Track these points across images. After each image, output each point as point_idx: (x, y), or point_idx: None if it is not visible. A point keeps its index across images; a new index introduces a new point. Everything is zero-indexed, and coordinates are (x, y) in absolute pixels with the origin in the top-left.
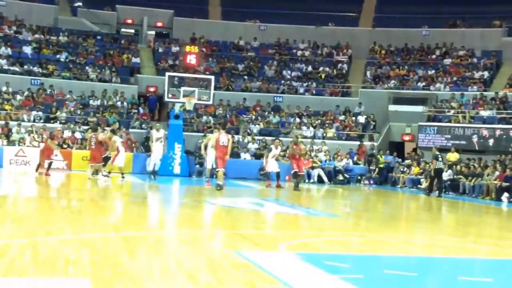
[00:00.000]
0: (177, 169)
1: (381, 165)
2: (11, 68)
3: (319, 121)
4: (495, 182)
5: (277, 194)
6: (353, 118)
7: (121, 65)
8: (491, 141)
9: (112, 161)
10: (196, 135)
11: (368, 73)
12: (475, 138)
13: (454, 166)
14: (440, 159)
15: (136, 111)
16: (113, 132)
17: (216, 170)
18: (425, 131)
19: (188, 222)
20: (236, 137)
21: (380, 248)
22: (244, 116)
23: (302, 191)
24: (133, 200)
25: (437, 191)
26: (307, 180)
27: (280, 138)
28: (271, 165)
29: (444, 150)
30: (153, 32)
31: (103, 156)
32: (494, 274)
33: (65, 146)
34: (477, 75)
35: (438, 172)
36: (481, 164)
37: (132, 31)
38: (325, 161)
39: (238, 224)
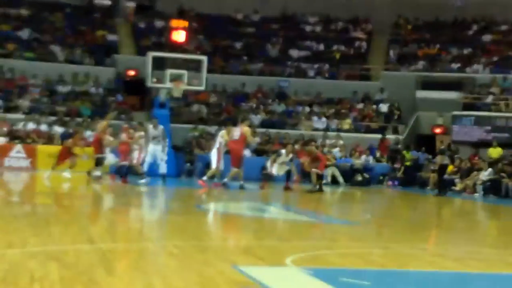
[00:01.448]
0: (163, 168)
1: (408, 163)
2: None
3: (333, 110)
4: None
5: (283, 198)
6: (374, 106)
7: (94, 43)
8: None
9: (138, 160)
10: (186, 127)
11: (391, 52)
12: None
13: (495, 164)
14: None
15: (113, 98)
16: (141, 124)
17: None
18: (460, 122)
19: (177, 232)
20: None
21: (405, 262)
22: (243, 104)
23: (314, 194)
24: (112, 206)
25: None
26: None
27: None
28: (278, 169)
29: (483, 144)
30: (133, 4)
31: (96, 156)
32: None
33: (28, 141)
34: None
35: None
36: None
37: (108, 2)
38: (340, 158)
39: (236, 233)
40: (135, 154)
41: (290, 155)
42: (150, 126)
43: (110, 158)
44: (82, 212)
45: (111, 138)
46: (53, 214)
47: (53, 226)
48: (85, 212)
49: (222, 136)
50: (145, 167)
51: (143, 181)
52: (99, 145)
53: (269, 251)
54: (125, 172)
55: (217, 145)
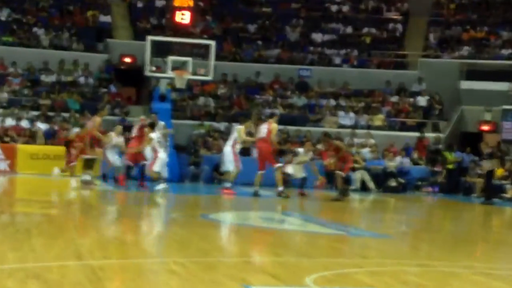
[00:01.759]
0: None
1: (450, 166)
2: None
3: (363, 104)
4: None
5: (303, 206)
6: (411, 99)
7: (84, 25)
8: None
9: (150, 166)
10: (190, 124)
11: (431, 36)
12: None
13: None
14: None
15: (105, 90)
16: (151, 126)
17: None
18: (511, 117)
19: (179, 246)
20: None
21: (446, 282)
22: (258, 97)
23: (340, 202)
24: (104, 215)
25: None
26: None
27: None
28: (295, 170)
29: None
30: None
31: (85, 158)
32: None
33: (6, 139)
34: None
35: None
36: None
37: None
38: (371, 160)
39: (247, 248)
40: (149, 156)
41: (310, 154)
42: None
43: (116, 161)
44: (69, 223)
45: (117, 138)
46: (35, 225)
47: (35, 238)
48: (73, 223)
49: (238, 133)
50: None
51: (162, 186)
52: (89, 144)
53: (287, 268)
54: (139, 175)
55: (231, 142)
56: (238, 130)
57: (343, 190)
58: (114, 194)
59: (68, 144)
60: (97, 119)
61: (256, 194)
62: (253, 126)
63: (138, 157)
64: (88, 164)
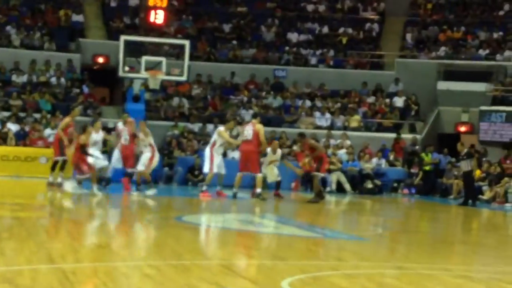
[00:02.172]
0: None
1: (427, 167)
2: None
3: (339, 104)
4: None
5: (279, 209)
6: (387, 100)
7: (56, 25)
8: None
9: (149, 164)
10: (164, 125)
11: (408, 36)
12: None
13: None
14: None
15: (78, 90)
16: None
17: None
18: (489, 118)
19: (153, 249)
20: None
21: (424, 284)
22: (233, 97)
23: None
24: (76, 218)
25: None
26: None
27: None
28: (268, 173)
29: None
30: None
31: (56, 159)
32: None
33: None
34: None
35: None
36: None
37: None
38: (348, 161)
39: (223, 250)
40: (145, 158)
41: (278, 153)
42: (119, 123)
43: (99, 161)
44: (40, 226)
45: (97, 134)
46: (5, 228)
47: (5, 242)
48: (44, 226)
49: (219, 134)
50: (110, 173)
51: (152, 192)
52: (59, 146)
53: (263, 272)
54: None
55: (211, 144)
56: (219, 132)
57: (319, 192)
58: (87, 197)
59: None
60: (65, 120)
61: (235, 196)
62: (234, 128)
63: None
64: (61, 166)
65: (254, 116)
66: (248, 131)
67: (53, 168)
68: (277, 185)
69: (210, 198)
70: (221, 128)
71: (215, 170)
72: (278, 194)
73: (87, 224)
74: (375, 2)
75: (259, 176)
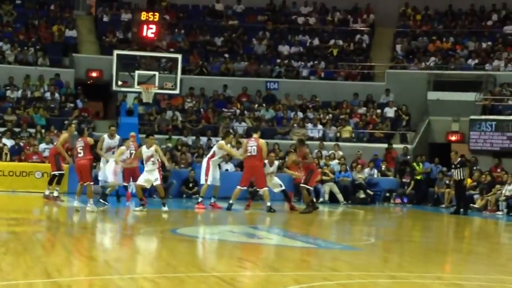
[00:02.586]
0: (131, 187)
1: (419, 177)
2: None
3: (330, 116)
4: None
5: (273, 220)
6: (378, 111)
7: (50, 40)
8: None
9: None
10: (157, 138)
11: (398, 47)
12: None
13: None
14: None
15: (72, 105)
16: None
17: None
18: (479, 127)
19: (148, 262)
20: (213, 139)
21: None
22: (225, 110)
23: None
24: (72, 232)
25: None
26: (314, 199)
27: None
28: (271, 185)
29: (506, 153)
30: None
31: (52, 173)
32: None
33: None
34: None
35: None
36: None
37: None
38: (340, 172)
39: (217, 262)
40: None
41: (275, 165)
42: (106, 136)
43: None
44: (36, 240)
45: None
46: (1, 243)
47: (1, 257)
48: (40, 240)
49: (221, 147)
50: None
51: (140, 208)
52: (55, 160)
53: (257, 283)
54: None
55: (209, 155)
56: (221, 145)
57: (310, 202)
58: (82, 210)
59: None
60: (63, 136)
61: (230, 208)
62: (233, 141)
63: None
64: (58, 180)
65: (255, 130)
66: (252, 146)
67: (50, 182)
68: (286, 196)
69: (204, 210)
70: (222, 141)
71: (209, 181)
72: (293, 207)
73: (82, 238)
74: (365, 14)
75: (266, 190)
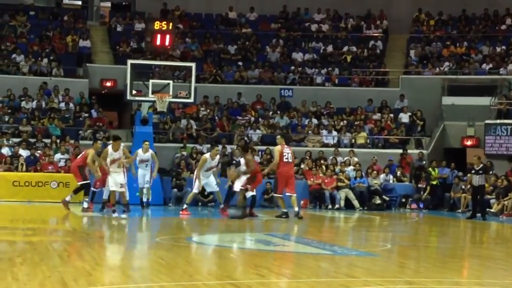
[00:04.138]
0: (146, 196)
1: (434, 182)
2: None
3: (345, 122)
4: None
5: (287, 226)
6: (393, 116)
7: (64, 51)
8: None
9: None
10: (172, 147)
11: (412, 52)
12: None
13: None
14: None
15: (87, 115)
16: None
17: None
18: (494, 131)
19: (164, 270)
20: (228, 147)
21: None
22: (240, 118)
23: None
24: (88, 241)
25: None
26: (330, 206)
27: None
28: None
29: None
30: (108, 4)
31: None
32: None
33: None
34: None
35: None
36: None
37: (79, 2)
38: (355, 178)
39: (233, 270)
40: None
41: (213, 160)
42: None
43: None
44: (53, 250)
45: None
46: (18, 253)
47: (18, 267)
48: (57, 250)
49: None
50: (106, 195)
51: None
52: (79, 171)
53: None
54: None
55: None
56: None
57: (243, 209)
58: (98, 219)
59: None
60: (90, 153)
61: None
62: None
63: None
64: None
65: (285, 137)
66: (288, 153)
67: (76, 191)
68: (251, 202)
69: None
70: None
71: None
72: (252, 213)
73: (99, 247)
74: (378, 20)
75: (295, 196)
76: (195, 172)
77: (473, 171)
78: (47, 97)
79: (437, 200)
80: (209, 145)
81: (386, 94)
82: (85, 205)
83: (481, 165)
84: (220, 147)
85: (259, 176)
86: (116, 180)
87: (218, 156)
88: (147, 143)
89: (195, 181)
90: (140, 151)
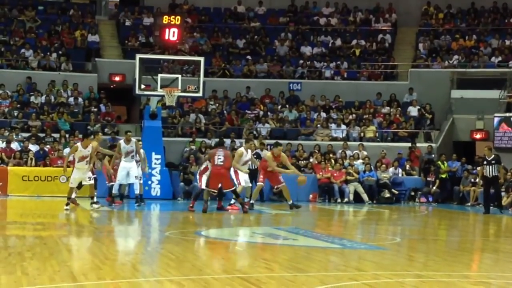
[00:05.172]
0: (156, 190)
1: (444, 175)
2: None
3: (354, 116)
4: None
5: (296, 220)
6: (401, 109)
7: (73, 46)
8: None
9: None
10: (181, 141)
11: (420, 46)
12: None
13: None
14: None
15: (95, 109)
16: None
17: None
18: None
19: (173, 264)
20: (237, 141)
21: None
22: (248, 112)
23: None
24: (97, 236)
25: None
26: (339, 199)
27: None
28: (242, 178)
29: None
30: None
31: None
32: None
33: None
34: None
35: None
36: None
37: None
38: (364, 172)
39: (242, 264)
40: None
41: (249, 152)
42: (121, 141)
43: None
44: (62, 245)
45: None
46: (27, 248)
47: (28, 261)
48: (66, 244)
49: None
50: (115, 189)
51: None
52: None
53: (283, 284)
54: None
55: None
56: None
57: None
58: (106, 213)
59: None
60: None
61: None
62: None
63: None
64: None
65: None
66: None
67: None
68: (219, 195)
69: (238, 210)
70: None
71: (243, 183)
72: (221, 207)
73: (108, 241)
74: (387, 13)
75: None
76: (232, 170)
77: (485, 162)
78: (55, 91)
79: (446, 193)
80: (217, 139)
81: (395, 88)
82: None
83: (493, 155)
84: (255, 141)
85: (213, 171)
86: (79, 176)
87: (249, 151)
88: (129, 133)
89: (236, 176)
90: (122, 142)
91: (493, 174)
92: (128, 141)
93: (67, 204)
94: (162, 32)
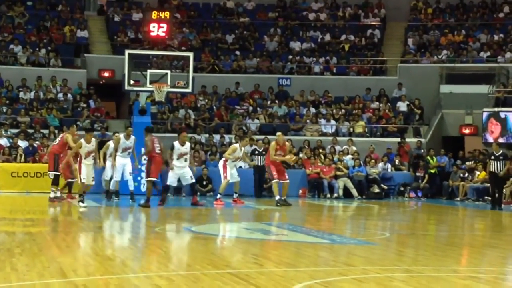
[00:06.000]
0: (145, 186)
1: (433, 170)
2: None
3: (343, 111)
4: None
5: (286, 216)
6: (391, 105)
7: (61, 41)
8: None
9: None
10: (171, 137)
11: (409, 41)
12: None
13: None
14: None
15: (85, 105)
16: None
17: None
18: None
19: (163, 260)
20: (226, 137)
21: (434, 287)
22: (238, 107)
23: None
24: (86, 231)
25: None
26: (328, 195)
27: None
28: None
29: None
30: None
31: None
32: None
33: None
34: None
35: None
36: None
37: None
38: (354, 167)
39: (231, 259)
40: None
41: (241, 150)
42: (121, 136)
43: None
44: (51, 241)
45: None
46: (17, 244)
47: (17, 257)
48: (55, 240)
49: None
50: (113, 186)
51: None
52: (54, 159)
53: (272, 279)
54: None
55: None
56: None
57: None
58: (95, 209)
59: None
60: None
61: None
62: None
63: None
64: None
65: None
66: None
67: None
68: (192, 189)
69: (223, 205)
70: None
71: (228, 178)
72: (196, 202)
73: (97, 237)
74: (376, 9)
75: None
76: (222, 162)
77: (492, 157)
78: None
79: (435, 188)
80: (207, 135)
81: (384, 83)
82: (52, 195)
83: (501, 151)
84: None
85: (157, 158)
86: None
87: (243, 148)
88: (130, 128)
89: (224, 170)
90: (122, 137)
91: (499, 169)
92: (128, 136)
93: (81, 201)
94: (151, 27)
